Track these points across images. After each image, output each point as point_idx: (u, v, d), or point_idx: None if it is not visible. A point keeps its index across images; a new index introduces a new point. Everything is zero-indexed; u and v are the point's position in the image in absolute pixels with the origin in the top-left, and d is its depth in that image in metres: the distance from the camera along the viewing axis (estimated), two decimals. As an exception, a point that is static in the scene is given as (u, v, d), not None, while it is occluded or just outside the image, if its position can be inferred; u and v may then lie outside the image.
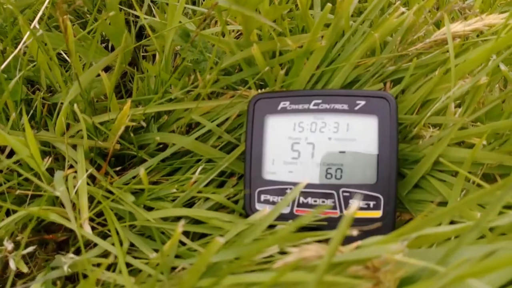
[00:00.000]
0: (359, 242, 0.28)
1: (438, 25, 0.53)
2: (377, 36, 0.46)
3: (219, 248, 0.26)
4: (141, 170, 0.36)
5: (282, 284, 0.25)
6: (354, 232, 0.24)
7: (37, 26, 0.39)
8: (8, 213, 0.41)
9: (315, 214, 0.24)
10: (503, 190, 0.22)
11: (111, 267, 0.40)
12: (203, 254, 0.26)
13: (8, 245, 0.37)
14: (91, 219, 0.42)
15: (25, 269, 0.38)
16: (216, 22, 0.54)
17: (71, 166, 0.44)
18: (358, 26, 0.49)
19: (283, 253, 0.29)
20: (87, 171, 0.41)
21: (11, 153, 0.45)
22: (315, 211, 0.24)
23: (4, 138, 0.36)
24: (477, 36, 0.48)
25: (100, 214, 0.42)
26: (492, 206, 0.24)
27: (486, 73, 0.43)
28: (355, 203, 0.23)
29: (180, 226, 0.28)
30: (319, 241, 0.28)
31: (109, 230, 0.40)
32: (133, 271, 0.39)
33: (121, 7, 0.52)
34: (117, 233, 0.39)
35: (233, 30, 0.53)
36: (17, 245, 0.40)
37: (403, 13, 0.47)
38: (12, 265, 0.37)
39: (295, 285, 0.25)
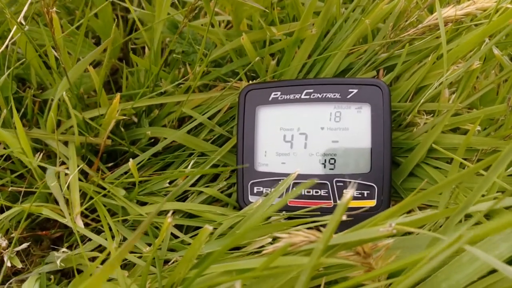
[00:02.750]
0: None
1: (431, 9, 0.52)
2: (368, 22, 0.45)
3: (208, 236, 0.26)
4: (130, 161, 0.36)
5: (273, 269, 0.24)
6: (344, 217, 0.24)
7: (23, 21, 0.39)
8: (1, 211, 0.41)
9: (304, 187, 0.24)
10: (489, 171, 0.22)
11: (105, 262, 0.40)
12: (193, 243, 0.26)
13: (2, 242, 0.38)
14: (85, 216, 0.42)
15: (19, 265, 0.38)
16: (205, 13, 0.53)
17: (63, 163, 0.44)
18: (350, 13, 0.49)
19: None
20: (78, 166, 0.41)
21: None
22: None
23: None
24: (471, 20, 0.47)
25: (93, 210, 0.42)
26: (478, 188, 0.23)
27: (479, 58, 0.42)
28: (349, 192, 0.22)
29: (169, 217, 0.28)
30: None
31: (102, 226, 0.40)
32: (128, 265, 0.39)
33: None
34: (110, 228, 0.39)
35: (223, 21, 0.53)
36: (12, 243, 0.40)
37: (394, -2, 0.46)
38: (6, 261, 0.37)
39: (287, 271, 0.25)
